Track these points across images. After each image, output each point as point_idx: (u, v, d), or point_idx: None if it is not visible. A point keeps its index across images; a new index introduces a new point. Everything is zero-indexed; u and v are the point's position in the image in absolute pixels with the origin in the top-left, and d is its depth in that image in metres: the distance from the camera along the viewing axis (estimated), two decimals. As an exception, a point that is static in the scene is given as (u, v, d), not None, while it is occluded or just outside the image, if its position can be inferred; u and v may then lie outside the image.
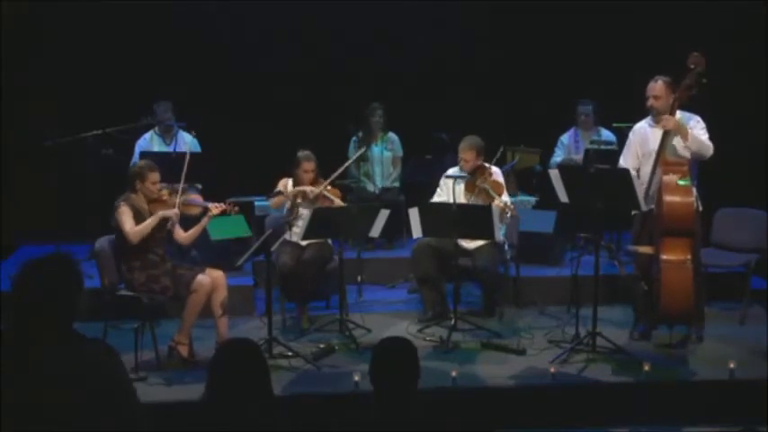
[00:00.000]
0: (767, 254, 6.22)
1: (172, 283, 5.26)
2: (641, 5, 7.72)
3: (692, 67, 5.29)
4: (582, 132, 7.54)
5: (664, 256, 5.20)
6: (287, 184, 6.12)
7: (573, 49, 7.95)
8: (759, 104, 7.36)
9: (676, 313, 5.23)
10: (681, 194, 5.19)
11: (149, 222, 5.24)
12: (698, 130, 5.41)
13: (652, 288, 5.37)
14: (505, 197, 6.04)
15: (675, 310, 5.20)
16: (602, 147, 7.13)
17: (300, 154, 6.07)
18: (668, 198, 5.19)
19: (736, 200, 6.43)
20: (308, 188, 6.00)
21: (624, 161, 5.64)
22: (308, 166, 6.05)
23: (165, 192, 5.47)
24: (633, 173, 5.34)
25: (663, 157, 5.33)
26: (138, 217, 5.26)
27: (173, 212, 5.32)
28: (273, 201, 6.13)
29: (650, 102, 5.47)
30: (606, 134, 7.43)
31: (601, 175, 5.35)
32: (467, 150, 6.07)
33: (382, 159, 7.57)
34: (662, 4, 7.65)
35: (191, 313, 5.28)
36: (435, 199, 6.21)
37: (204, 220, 5.49)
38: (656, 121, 5.47)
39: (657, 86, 5.45)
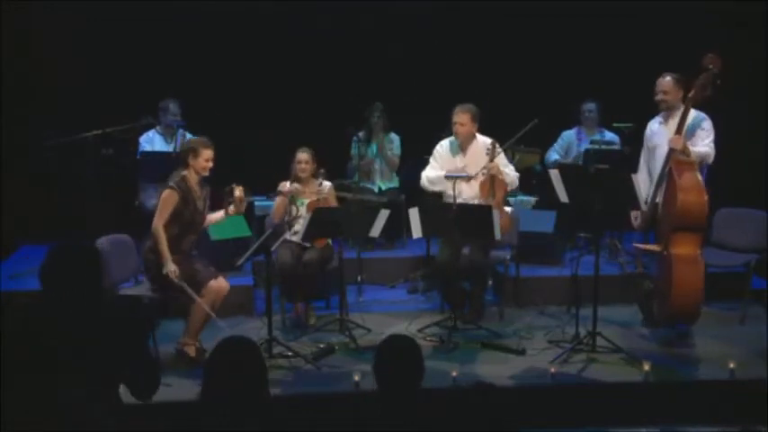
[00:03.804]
0: (767, 254, 6.22)
1: (184, 272, 5.20)
2: (642, 7, 7.72)
3: (710, 67, 5.32)
4: (586, 131, 7.53)
5: (676, 252, 5.20)
6: (286, 188, 6.13)
7: (573, 51, 7.95)
8: (759, 104, 7.37)
9: (686, 311, 5.24)
10: (696, 191, 5.21)
11: (164, 254, 5.11)
12: (703, 134, 5.52)
13: (657, 286, 5.38)
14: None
15: (686, 307, 5.21)
16: (603, 147, 7.13)
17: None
18: (683, 194, 5.19)
19: (737, 200, 6.43)
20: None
21: (642, 159, 5.84)
22: (302, 157, 6.09)
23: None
24: (635, 175, 5.34)
25: (674, 157, 5.37)
26: (186, 200, 5.20)
27: (176, 282, 5.12)
28: (276, 206, 6.10)
29: (659, 97, 5.59)
30: (610, 135, 7.43)
31: (601, 175, 5.36)
32: (461, 113, 6.01)
33: (382, 159, 7.58)
34: (662, 6, 7.65)
35: (197, 319, 5.28)
36: (429, 171, 6.16)
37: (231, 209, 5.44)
38: (665, 117, 5.63)
39: (665, 82, 5.59)
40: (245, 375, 2.68)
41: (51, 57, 7.46)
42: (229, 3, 7.70)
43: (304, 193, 6.08)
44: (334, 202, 6.18)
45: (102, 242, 5.38)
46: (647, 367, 5.05)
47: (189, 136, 6.93)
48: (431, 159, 6.24)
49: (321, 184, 6.10)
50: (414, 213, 5.66)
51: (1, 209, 7.13)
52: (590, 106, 7.48)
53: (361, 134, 7.43)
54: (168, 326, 5.78)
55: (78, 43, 7.50)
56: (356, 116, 7.43)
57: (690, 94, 5.42)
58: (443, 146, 6.22)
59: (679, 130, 5.41)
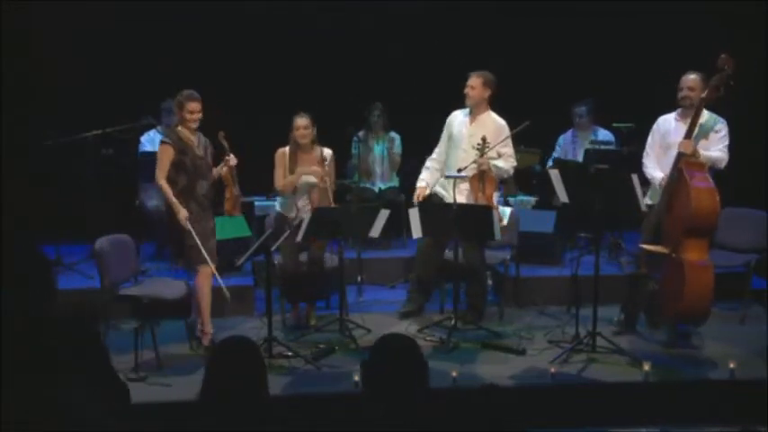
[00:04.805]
0: (767, 254, 6.22)
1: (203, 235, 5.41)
2: (642, 7, 7.72)
3: (725, 68, 5.29)
4: (579, 133, 7.57)
5: (688, 257, 5.19)
6: (285, 153, 6.06)
7: (574, 50, 7.95)
8: (759, 104, 7.36)
9: (697, 313, 5.24)
10: (709, 194, 5.20)
11: (171, 200, 5.35)
12: (717, 138, 5.46)
13: (662, 287, 5.35)
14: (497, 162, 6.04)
15: (697, 309, 5.20)
16: (603, 147, 7.14)
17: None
18: (697, 197, 5.17)
19: (737, 200, 6.42)
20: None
21: (647, 156, 5.72)
22: (300, 123, 5.99)
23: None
24: (635, 175, 5.33)
25: (685, 158, 5.32)
26: (182, 149, 5.41)
27: (186, 228, 5.34)
28: (281, 185, 6.03)
29: (684, 93, 5.49)
30: (603, 134, 7.45)
31: (601, 175, 5.36)
32: (474, 77, 6.03)
33: (383, 159, 7.58)
34: (662, 6, 7.65)
35: (204, 302, 5.49)
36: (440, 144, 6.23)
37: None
38: (683, 115, 5.53)
39: (692, 79, 5.49)
40: (245, 375, 2.67)
41: (51, 57, 7.45)
42: (229, 3, 7.71)
43: (305, 162, 6.00)
44: (333, 171, 6.09)
45: (102, 242, 5.38)
46: (647, 367, 5.05)
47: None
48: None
49: (322, 152, 6.06)
50: (414, 213, 5.66)
51: (1, 209, 7.13)
52: (580, 110, 7.51)
53: (361, 134, 7.43)
54: (168, 325, 5.78)
55: (78, 43, 7.50)
56: (356, 116, 7.43)
57: (703, 95, 5.34)
58: (454, 114, 6.21)
59: (689, 133, 5.33)
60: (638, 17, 7.75)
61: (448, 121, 6.23)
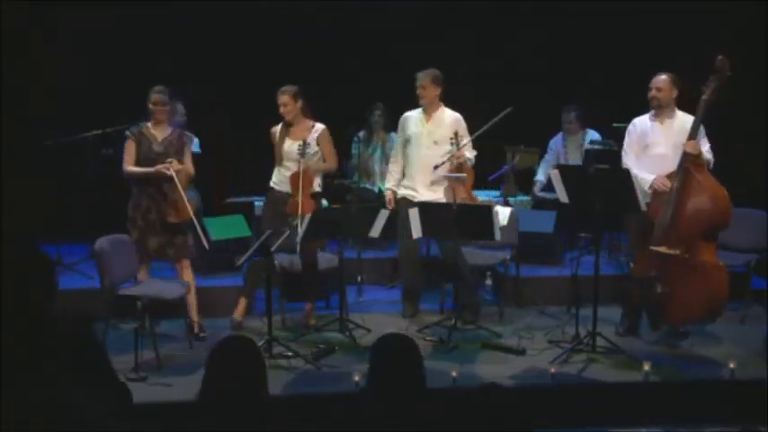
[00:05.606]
0: (767, 254, 6.22)
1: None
2: (642, 7, 7.73)
3: (723, 68, 5.29)
4: (569, 137, 7.59)
5: (706, 259, 5.20)
6: (277, 131, 6.05)
7: (573, 50, 7.96)
8: (758, 104, 7.36)
9: (714, 311, 5.25)
10: (723, 194, 5.22)
11: (144, 171, 5.56)
12: (704, 141, 5.48)
13: (671, 289, 5.34)
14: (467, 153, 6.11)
15: (714, 307, 5.22)
16: (604, 147, 7.14)
17: None
18: (714, 198, 5.20)
19: (737, 200, 6.42)
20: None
21: (626, 155, 5.68)
22: (280, 101, 5.92)
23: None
24: (635, 172, 5.33)
25: (691, 159, 5.30)
26: (140, 142, 5.65)
27: (168, 173, 5.50)
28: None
29: (653, 93, 5.54)
30: (592, 134, 7.47)
31: (601, 175, 5.36)
32: (422, 77, 6.16)
33: (382, 159, 7.58)
34: (662, 6, 7.65)
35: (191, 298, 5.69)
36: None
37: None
38: (657, 116, 5.58)
39: (661, 80, 5.54)
40: (245, 375, 2.67)
41: (51, 57, 7.45)
42: (229, 3, 7.70)
43: (295, 135, 5.97)
44: (328, 147, 6.04)
45: (102, 242, 5.37)
46: (647, 367, 5.04)
47: (189, 135, 6.94)
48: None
49: (314, 126, 6.01)
50: (414, 213, 5.66)
51: (1, 209, 7.13)
52: (569, 116, 7.55)
53: (361, 134, 7.43)
54: (168, 326, 5.79)
55: (78, 43, 7.50)
56: (356, 116, 7.42)
57: (704, 96, 5.32)
58: (408, 115, 6.31)
59: (694, 134, 5.32)
60: (638, 17, 7.75)
61: (401, 123, 6.33)
